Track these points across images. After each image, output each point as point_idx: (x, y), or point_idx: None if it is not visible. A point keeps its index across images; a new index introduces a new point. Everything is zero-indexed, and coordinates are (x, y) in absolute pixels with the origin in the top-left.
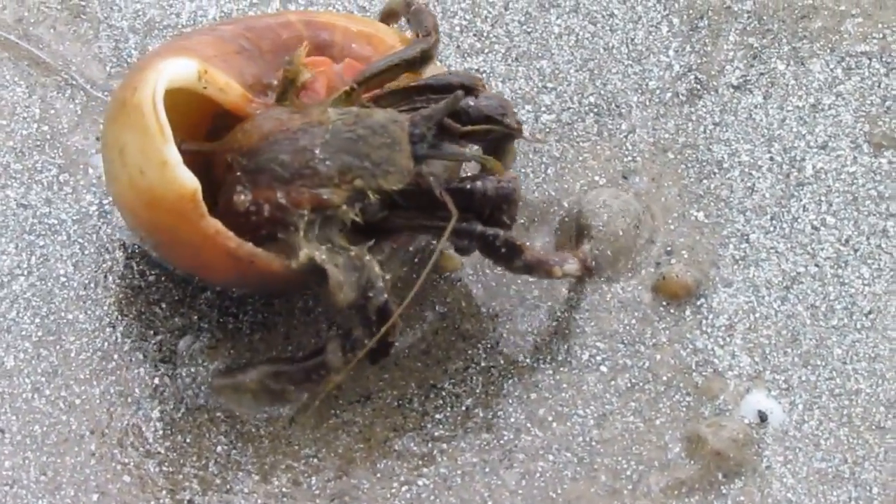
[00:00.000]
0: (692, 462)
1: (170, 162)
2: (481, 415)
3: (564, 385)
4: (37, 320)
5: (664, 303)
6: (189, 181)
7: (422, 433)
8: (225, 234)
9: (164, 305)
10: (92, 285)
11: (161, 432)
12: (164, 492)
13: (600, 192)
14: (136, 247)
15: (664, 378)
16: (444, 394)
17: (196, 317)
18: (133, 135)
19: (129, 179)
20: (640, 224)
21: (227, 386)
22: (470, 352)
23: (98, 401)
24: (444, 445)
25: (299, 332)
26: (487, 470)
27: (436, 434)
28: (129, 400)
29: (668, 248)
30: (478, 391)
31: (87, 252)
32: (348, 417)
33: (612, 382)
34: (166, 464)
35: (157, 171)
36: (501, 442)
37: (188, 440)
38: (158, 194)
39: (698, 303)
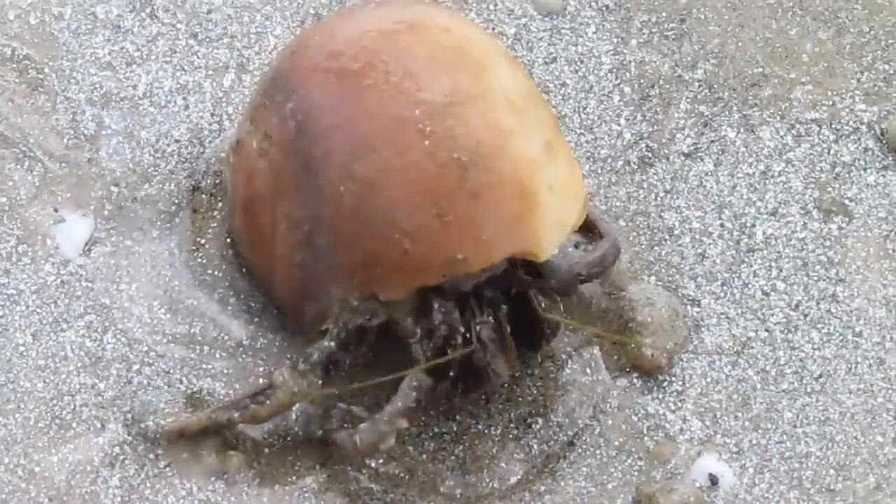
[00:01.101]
0: None
1: None
2: (433, 479)
3: (517, 450)
4: None
5: (617, 371)
6: None
7: (374, 497)
8: None
9: (122, 371)
10: (50, 354)
11: (119, 499)
12: None
13: None
14: (94, 317)
15: (616, 443)
16: (396, 455)
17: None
18: None
19: None
20: None
21: (175, 430)
22: (425, 419)
23: (56, 468)
24: None
25: None
26: None
27: (388, 499)
28: (88, 468)
29: None
30: (424, 458)
31: (45, 322)
32: (302, 482)
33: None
34: None
35: None
36: None
37: None
38: None
39: None
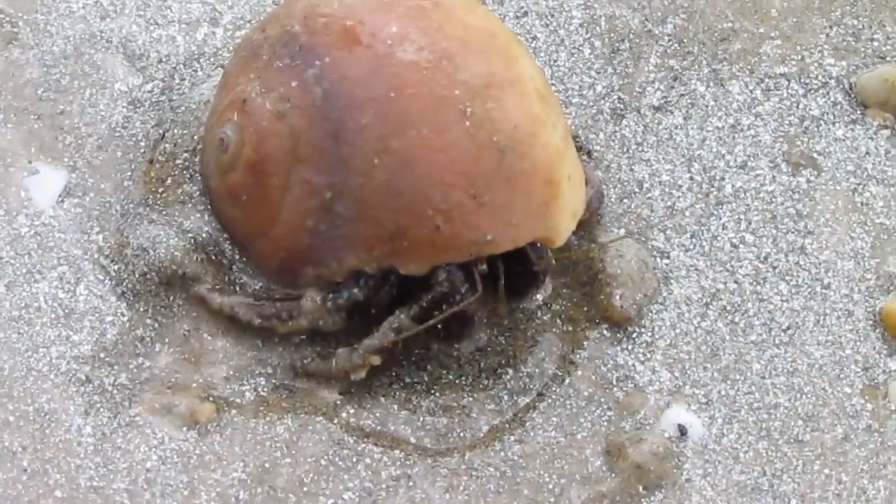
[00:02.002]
0: (613, 475)
1: None
2: (404, 430)
3: (487, 400)
4: None
5: (586, 322)
6: None
7: (346, 448)
8: None
9: (94, 323)
10: (24, 306)
11: (92, 447)
12: None
13: None
14: (66, 268)
15: (585, 393)
16: (367, 406)
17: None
18: None
19: None
20: None
21: (199, 296)
22: (396, 369)
23: (31, 418)
24: (368, 460)
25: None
26: (411, 484)
27: (359, 449)
28: (64, 416)
29: None
30: (395, 408)
31: (18, 273)
32: (274, 432)
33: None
34: (97, 479)
35: None
36: (424, 457)
37: (118, 455)
38: None
39: None
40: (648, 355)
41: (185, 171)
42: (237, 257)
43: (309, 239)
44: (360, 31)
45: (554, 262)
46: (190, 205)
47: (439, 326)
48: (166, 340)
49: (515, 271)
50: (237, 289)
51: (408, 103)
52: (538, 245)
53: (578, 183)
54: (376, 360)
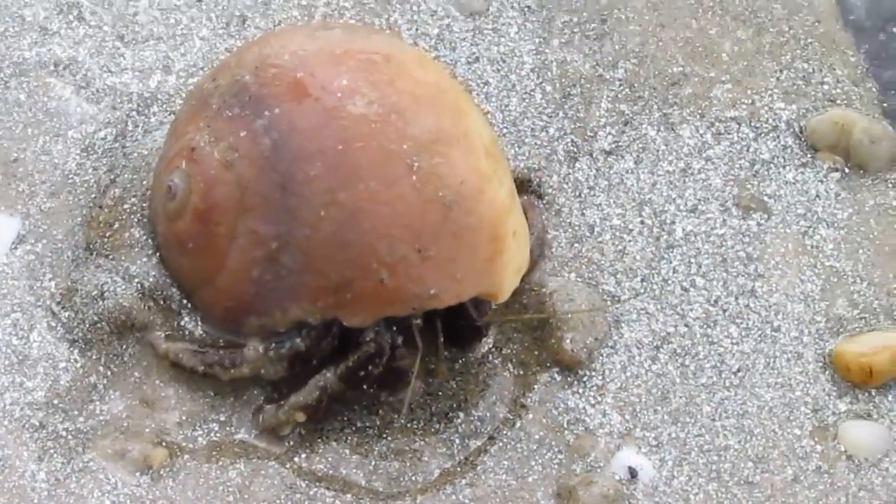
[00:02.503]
0: None
1: None
2: (356, 474)
3: (438, 444)
4: None
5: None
6: None
7: (298, 492)
8: None
9: (48, 370)
10: None
11: (46, 493)
12: None
13: None
14: (20, 315)
15: (536, 437)
16: (320, 451)
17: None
18: None
19: None
20: None
21: (150, 344)
22: (348, 414)
23: None
24: None
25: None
26: None
27: (311, 493)
28: (17, 462)
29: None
30: (347, 452)
31: None
32: (226, 476)
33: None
34: None
35: None
36: (376, 500)
37: (72, 501)
38: None
39: None
40: (599, 398)
41: (132, 216)
42: (184, 303)
43: (254, 289)
44: (309, 84)
45: (502, 322)
46: (137, 249)
47: (366, 384)
48: (119, 387)
49: (458, 325)
50: (185, 334)
51: (356, 156)
52: (481, 301)
53: (523, 238)
54: (301, 417)
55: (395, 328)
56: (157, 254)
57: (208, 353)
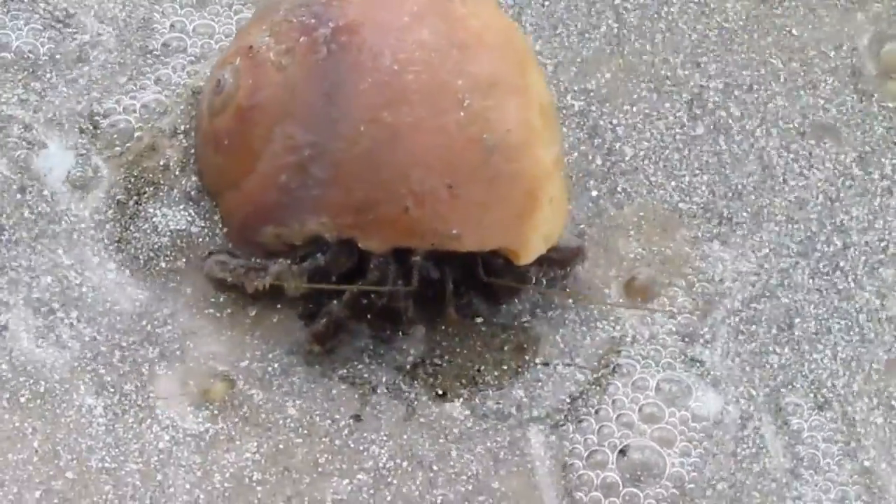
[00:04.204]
0: None
1: None
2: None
3: None
4: None
5: None
6: None
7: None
8: None
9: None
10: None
11: (104, 428)
12: (107, 487)
13: None
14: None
15: None
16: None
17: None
18: None
19: None
20: None
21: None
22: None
23: (42, 399)
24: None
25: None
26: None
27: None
28: (74, 396)
29: None
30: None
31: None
32: (286, 412)
33: None
34: (108, 460)
35: None
36: None
37: (130, 436)
38: None
39: None
40: None
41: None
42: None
43: (277, 196)
44: (382, 4)
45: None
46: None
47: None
48: (174, 321)
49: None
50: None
51: (408, 79)
52: (501, 258)
53: (559, 210)
54: (316, 348)
55: (393, 265)
56: (195, 155)
57: (237, 264)
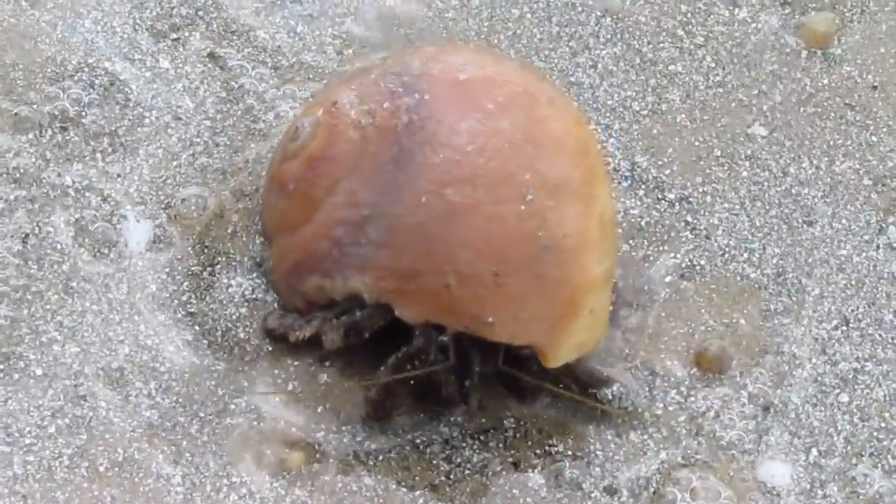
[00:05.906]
0: None
1: None
2: None
3: None
4: None
5: None
6: None
7: None
8: None
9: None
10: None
11: (182, 497)
12: None
13: None
14: None
15: None
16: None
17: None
18: None
19: None
20: None
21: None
22: None
23: (121, 468)
24: None
25: None
26: None
27: None
28: (153, 465)
29: None
30: None
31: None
32: (361, 483)
33: None
34: None
35: None
36: None
37: None
38: None
39: None
40: None
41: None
42: None
43: (328, 247)
44: (468, 88)
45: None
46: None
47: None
48: (256, 390)
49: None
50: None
51: (479, 163)
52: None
53: (598, 323)
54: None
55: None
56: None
57: (285, 315)
